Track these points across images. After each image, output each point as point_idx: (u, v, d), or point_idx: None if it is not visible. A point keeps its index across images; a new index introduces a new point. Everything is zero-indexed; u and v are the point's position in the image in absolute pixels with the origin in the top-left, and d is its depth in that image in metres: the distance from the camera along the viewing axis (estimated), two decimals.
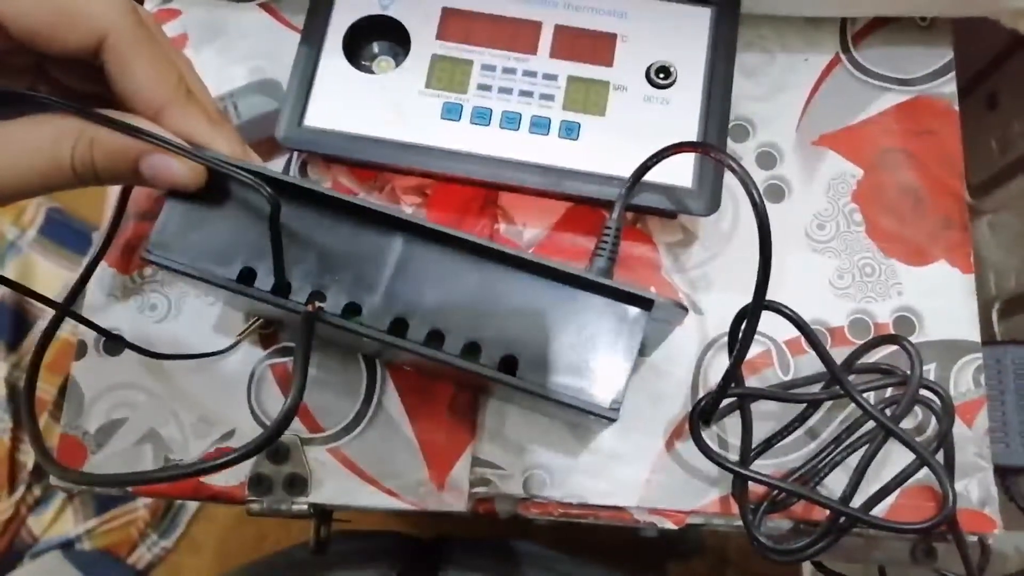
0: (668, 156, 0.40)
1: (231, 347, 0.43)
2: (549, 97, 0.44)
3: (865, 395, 0.39)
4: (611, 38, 0.45)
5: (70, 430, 0.43)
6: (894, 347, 0.42)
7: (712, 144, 0.42)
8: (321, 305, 0.34)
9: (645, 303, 0.34)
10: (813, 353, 0.39)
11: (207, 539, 1.19)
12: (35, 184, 0.30)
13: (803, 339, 0.39)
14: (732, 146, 0.46)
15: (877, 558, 0.42)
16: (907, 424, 0.42)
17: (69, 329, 0.42)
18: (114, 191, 0.46)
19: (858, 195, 0.46)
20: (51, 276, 1.24)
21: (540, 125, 0.43)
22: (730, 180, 0.42)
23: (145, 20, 0.32)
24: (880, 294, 0.44)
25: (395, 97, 0.44)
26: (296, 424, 0.43)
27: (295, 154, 0.47)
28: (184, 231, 0.35)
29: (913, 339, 0.43)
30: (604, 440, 0.42)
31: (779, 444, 0.42)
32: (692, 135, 0.43)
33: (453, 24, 0.45)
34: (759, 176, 0.46)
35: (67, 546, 1.16)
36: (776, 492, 0.40)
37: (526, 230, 0.45)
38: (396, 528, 0.69)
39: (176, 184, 0.33)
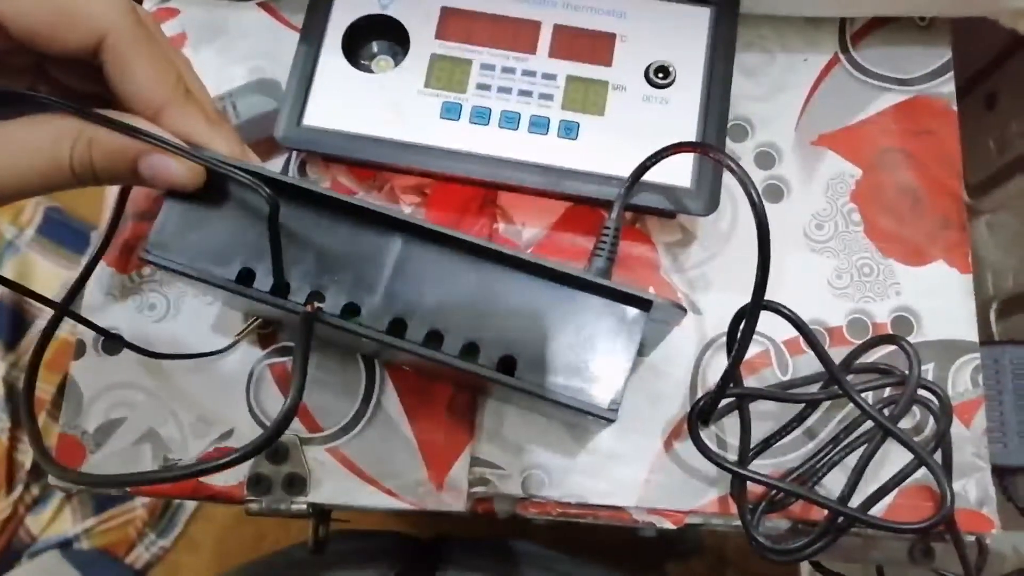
0: (667, 156, 0.40)
1: (230, 347, 0.43)
2: (548, 97, 0.44)
3: (863, 395, 0.39)
4: (610, 38, 0.45)
5: (69, 429, 0.43)
6: (892, 347, 0.42)
7: (711, 144, 0.42)
8: (320, 305, 0.34)
9: (644, 304, 0.34)
10: (811, 353, 0.39)
11: (205, 539, 1.19)
12: (34, 184, 0.30)
13: (801, 339, 0.39)
14: (731, 146, 0.46)
15: (875, 558, 0.42)
16: (905, 424, 0.42)
17: (68, 328, 0.42)
18: (113, 191, 0.46)
19: (857, 195, 0.46)
20: (49, 275, 1.24)
21: (539, 125, 0.43)
22: (729, 180, 0.43)
23: (144, 20, 0.32)
24: (878, 294, 0.44)
25: (394, 96, 0.44)
26: (295, 424, 0.43)
27: (294, 153, 0.47)
28: (183, 231, 0.35)
29: (911, 339, 0.43)
30: (603, 440, 0.42)
31: (777, 444, 0.42)
32: (691, 135, 0.43)
33: (452, 23, 0.45)
34: (758, 176, 0.46)
35: (65, 545, 1.16)
36: (774, 492, 0.40)
37: (525, 230, 0.45)
38: (395, 528, 0.69)
39: (175, 184, 0.33)
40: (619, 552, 1.08)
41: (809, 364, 0.43)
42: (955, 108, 0.47)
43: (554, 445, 0.42)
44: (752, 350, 0.43)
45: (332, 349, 0.43)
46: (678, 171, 0.42)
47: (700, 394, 0.42)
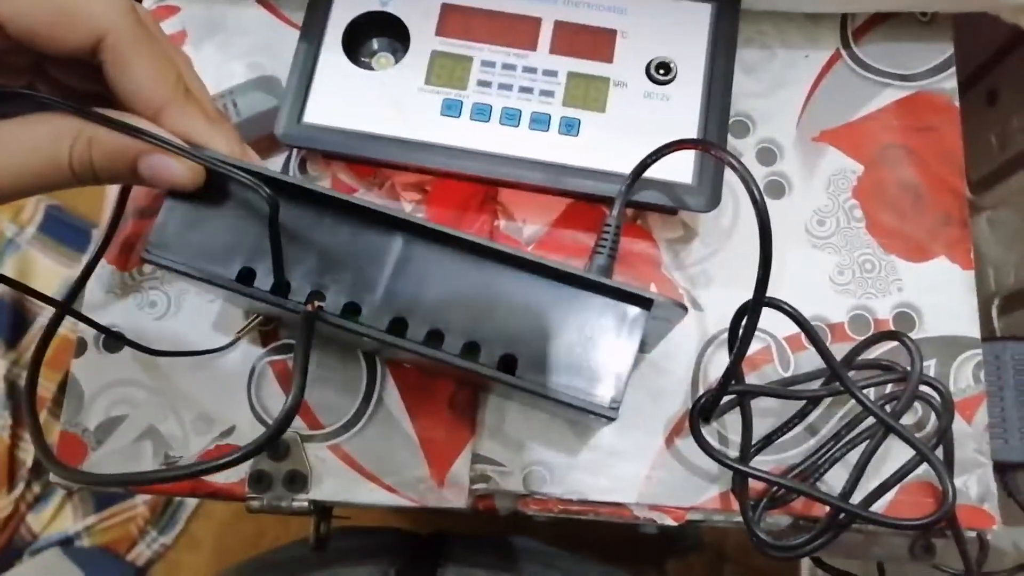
0: (668, 152, 0.40)
1: (230, 344, 0.43)
2: (549, 93, 0.44)
3: (865, 391, 0.39)
4: (611, 34, 0.45)
5: (70, 427, 0.43)
6: (894, 343, 0.42)
7: (712, 141, 0.42)
8: (321, 304, 0.34)
9: (645, 302, 0.34)
10: (813, 349, 0.39)
11: (206, 536, 1.19)
12: (33, 183, 0.30)
13: (803, 335, 0.39)
14: (732, 142, 0.46)
15: (876, 554, 0.43)
16: (907, 420, 0.42)
17: (69, 326, 0.42)
18: (114, 189, 0.46)
19: (858, 191, 0.46)
20: (50, 273, 1.24)
21: (540, 121, 0.43)
22: (730, 176, 0.42)
23: (144, 19, 0.32)
24: (880, 290, 0.44)
25: (394, 93, 0.44)
26: (296, 421, 0.43)
27: (294, 151, 0.47)
28: (183, 231, 0.35)
29: (913, 335, 0.43)
30: (604, 437, 0.42)
31: (779, 440, 0.42)
32: (692, 131, 0.43)
33: (452, 20, 0.45)
34: (759, 172, 0.46)
35: (66, 543, 1.16)
36: (776, 488, 0.40)
37: (526, 226, 0.45)
38: (396, 524, 0.70)
39: (175, 184, 0.33)
40: (619, 548, 1.08)
41: (811, 360, 0.43)
42: (957, 104, 0.47)
43: (555, 442, 0.42)
44: (753, 347, 0.43)
45: (333, 346, 0.43)
46: (679, 167, 0.42)
47: (701, 391, 0.42)
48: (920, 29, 0.48)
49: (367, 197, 0.45)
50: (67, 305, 0.39)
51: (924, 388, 0.40)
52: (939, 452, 0.40)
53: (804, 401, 0.42)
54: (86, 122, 0.30)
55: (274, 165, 0.46)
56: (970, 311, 0.44)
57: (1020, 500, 0.44)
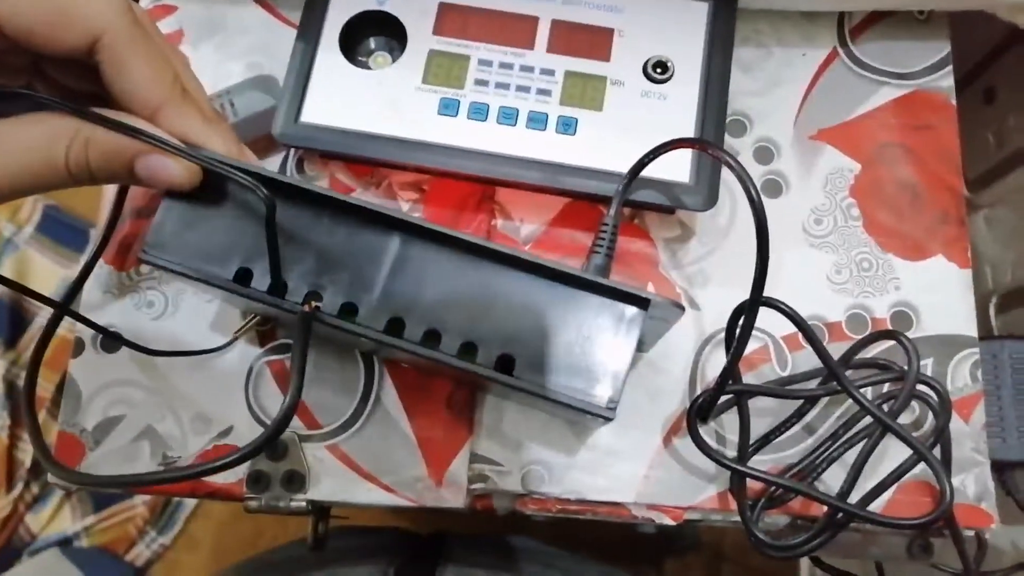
0: (665, 152, 0.40)
1: (228, 344, 0.43)
2: (546, 92, 0.44)
3: (862, 391, 0.39)
4: (608, 33, 0.45)
5: (68, 427, 0.43)
6: (891, 342, 0.42)
7: (709, 140, 0.42)
8: (318, 305, 0.34)
9: (642, 302, 0.34)
10: (810, 349, 0.39)
11: (204, 536, 1.19)
12: (30, 183, 0.30)
13: (800, 335, 0.39)
14: (729, 141, 0.46)
15: (874, 553, 0.43)
16: (904, 419, 0.42)
17: (67, 326, 0.42)
18: (111, 188, 0.46)
19: (856, 190, 0.46)
20: (48, 273, 1.24)
21: (537, 120, 0.43)
22: (728, 175, 0.42)
23: (141, 19, 0.32)
24: (877, 289, 0.44)
25: (392, 93, 0.44)
26: (294, 421, 0.43)
27: (292, 150, 0.47)
28: (180, 231, 0.35)
29: (910, 334, 0.43)
30: (602, 436, 0.42)
31: (777, 440, 0.42)
32: (689, 130, 0.43)
33: (449, 19, 0.45)
34: (756, 171, 0.46)
35: (65, 543, 1.16)
36: (774, 488, 0.40)
37: (523, 226, 0.45)
38: (394, 524, 0.69)
39: (172, 184, 0.33)
40: (617, 548, 1.08)
41: (808, 360, 0.43)
42: (954, 102, 0.47)
43: (553, 441, 0.42)
44: (751, 346, 0.43)
45: (330, 346, 0.43)
46: (677, 166, 0.42)
47: (699, 390, 0.42)
48: (917, 27, 0.48)
49: (364, 196, 0.45)
50: (66, 305, 0.39)
51: (921, 387, 0.40)
52: (937, 451, 0.40)
53: (802, 400, 0.42)
54: (83, 122, 0.30)
55: (271, 165, 0.46)
56: (967, 310, 0.44)
57: (1018, 499, 0.45)
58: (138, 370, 0.44)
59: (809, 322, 0.39)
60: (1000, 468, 0.43)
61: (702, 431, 0.40)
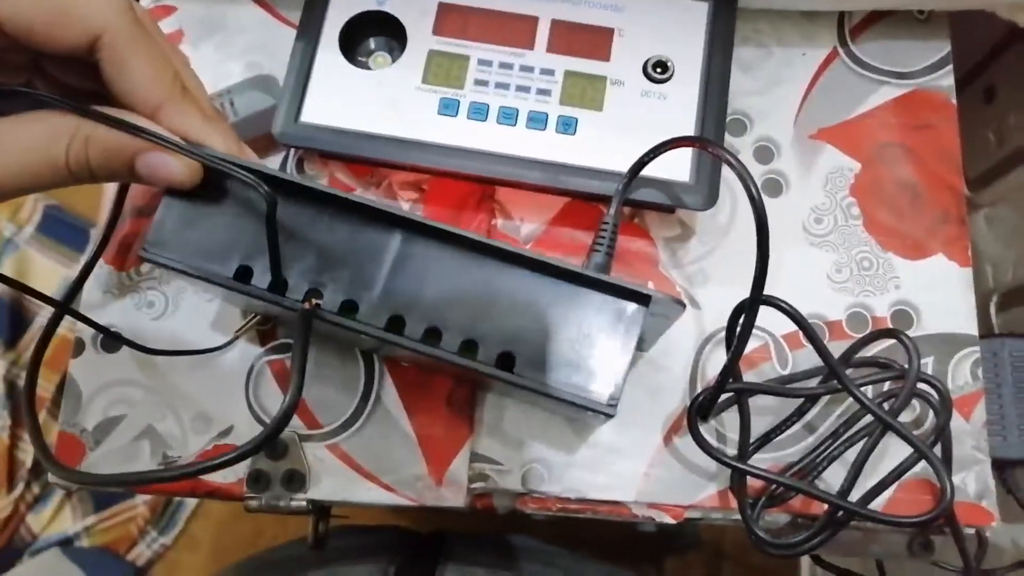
0: (665, 151, 0.40)
1: (228, 343, 0.43)
2: (546, 92, 0.44)
3: (863, 389, 0.39)
4: (608, 33, 0.45)
5: (68, 427, 0.43)
6: (892, 341, 0.42)
7: (709, 139, 0.42)
8: (318, 302, 0.34)
9: (643, 299, 0.34)
10: (811, 347, 0.39)
11: (205, 535, 1.19)
12: (30, 182, 0.30)
13: (801, 333, 0.39)
14: (729, 140, 0.46)
15: (875, 551, 0.43)
16: (905, 418, 0.42)
17: (67, 326, 0.42)
18: (112, 187, 0.46)
19: (856, 189, 0.46)
20: (48, 273, 1.24)
21: (537, 120, 0.43)
22: (728, 174, 0.42)
23: (141, 17, 0.32)
24: (878, 288, 0.44)
25: (391, 93, 0.44)
26: (294, 420, 0.43)
27: (291, 150, 0.47)
28: (181, 229, 0.35)
29: (911, 333, 0.43)
30: (602, 434, 0.42)
31: (777, 438, 0.42)
32: (689, 129, 0.43)
33: (449, 19, 0.45)
34: (757, 170, 0.46)
35: (66, 543, 1.16)
36: (774, 486, 0.40)
37: (523, 225, 0.45)
38: (394, 523, 0.69)
39: (173, 182, 0.33)
40: (618, 547, 1.08)
41: (808, 358, 0.43)
42: (954, 101, 0.47)
43: (554, 440, 0.42)
44: (751, 344, 0.43)
45: (331, 345, 0.43)
46: (677, 166, 0.42)
47: (699, 389, 0.42)
48: (917, 27, 0.48)
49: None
50: (66, 305, 0.39)
51: (922, 386, 0.40)
52: (937, 449, 0.40)
53: (802, 399, 0.42)
54: (83, 120, 0.30)
55: (271, 164, 0.46)
56: (968, 308, 0.44)
57: (1019, 497, 0.45)
58: (138, 370, 0.44)
59: (809, 321, 0.39)
60: (1001, 466, 0.43)
61: (703, 429, 0.40)
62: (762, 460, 0.41)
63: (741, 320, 0.37)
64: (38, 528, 1.16)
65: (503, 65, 0.44)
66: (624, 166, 0.40)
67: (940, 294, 0.44)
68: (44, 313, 1.20)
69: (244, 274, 0.35)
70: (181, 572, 1.18)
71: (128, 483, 0.40)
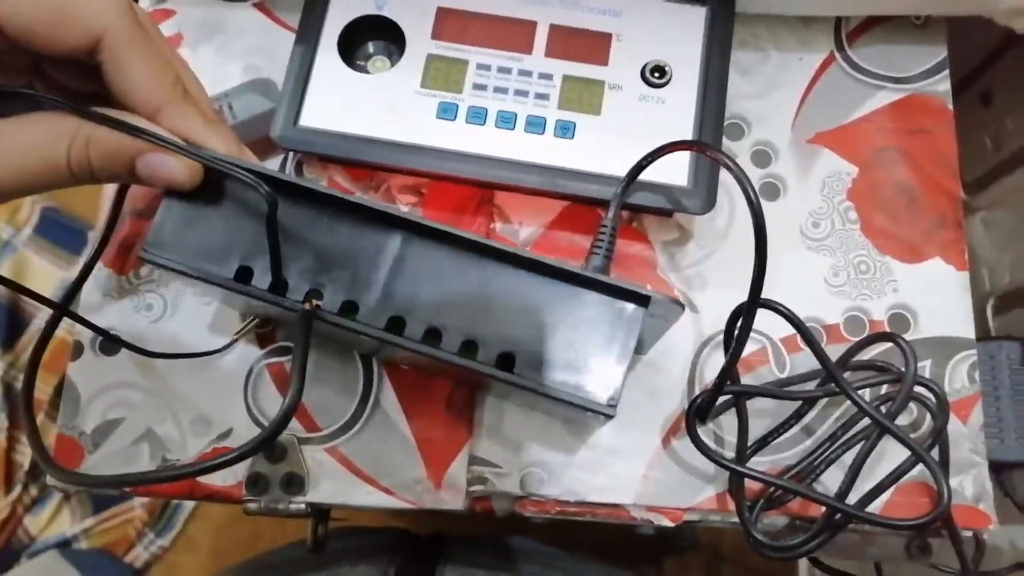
0: (663, 155, 0.40)
1: (227, 346, 0.43)
2: (544, 96, 0.44)
3: (860, 392, 0.39)
4: (606, 37, 0.45)
5: (66, 430, 0.43)
6: (889, 344, 0.42)
7: (707, 143, 0.42)
8: (318, 303, 0.34)
9: (642, 299, 0.34)
10: (809, 351, 0.39)
11: (203, 538, 1.19)
12: (30, 183, 0.30)
13: (799, 337, 0.39)
14: (727, 144, 0.47)
15: (872, 554, 0.43)
16: (902, 421, 0.42)
17: (65, 329, 0.42)
18: (110, 189, 0.46)
19: (853, 193, 0.46)
20: (46, 275, 1.24)
21: (536, 124, 0.43)
22: (725, 178, 0.43)
23: (142, 19, 0.32)
24: (875, 291, 0.44)
25: (390, 97, 0.44)
26: (293, 423, 0.43)
27: (290, 154, 0.47)
28: (181, 230, 0.35)
29: (908, 336, 0.43)
30: (601, 436, 0.42)
31: (775, 441, 0.42)
32: (687, 134, 0.43)
33: (448, 24, 0.45)
34: (754, 174, 0.46)
35: (64, 545, 1.16)
36: (772, 489, 0.40)
37: (522, 229, 0.45)
38: (394, 525, 0.69)
39: (173, 183, 0.33)
40: (616, 549, 1.08)
41: (806, 362, 0.43)
42: (951, 106, 0.47)
43: (553, 442, 0.42)
44: (749, 348, 0.43)
45: (330, 348, 0.43)
46: (675, 170, 0.42)
47: (698, 391, 0.42)
48: (914, 32, 0.48)
49: None
50: (65, 307, 0.39)
51: (919, 389, 0.40)
52: (935, 452, 0.40)
53: (800, 402, 0.42)
54: (84, 121, 0.30)
55: (270, 168, 0.46)
56: (965, 312, 0.44)
57: (1016, 499, 0.45)
58: (137, 372, 0.44)
59: (807, 324, 0.39)
60: (998, 469, 0.43)
61: (701, 432, 0.40)
62: (760, 463, 0.42)
63: (739, 323, 0.37)
64: (36, 530, 1.16)
65: (502, 69, 0.44)
66: (622, 170, 0.41)
67: (937, 297, 0.44)
68: (42, 315, 1.20)
69: (244, 275, 0.35)
70: (179, 574, 1.18)
71: (127, 484, 0.40)
